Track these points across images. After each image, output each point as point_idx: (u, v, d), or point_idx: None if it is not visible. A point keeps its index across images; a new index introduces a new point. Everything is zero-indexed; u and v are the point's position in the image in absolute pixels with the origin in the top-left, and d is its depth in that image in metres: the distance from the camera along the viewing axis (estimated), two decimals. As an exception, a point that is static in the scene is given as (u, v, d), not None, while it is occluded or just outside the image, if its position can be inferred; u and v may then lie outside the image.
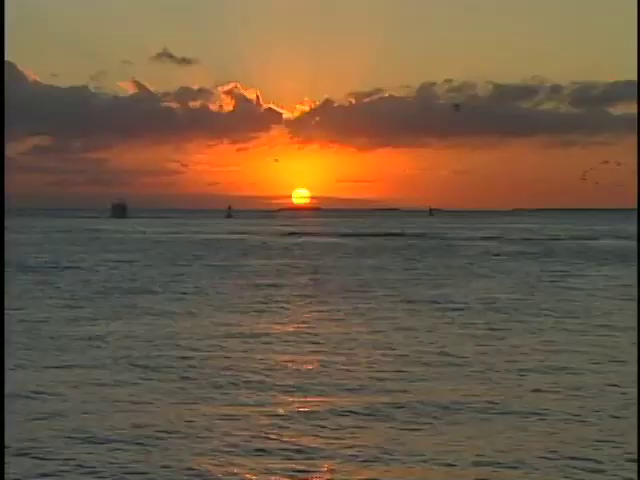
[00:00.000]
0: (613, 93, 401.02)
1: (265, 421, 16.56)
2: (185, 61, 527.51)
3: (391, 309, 34.35)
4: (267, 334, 27.64)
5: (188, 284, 45.04)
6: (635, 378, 19.25)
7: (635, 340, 23.78)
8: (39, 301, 36.76)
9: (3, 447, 11.56)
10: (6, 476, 12.45)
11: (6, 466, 12.41)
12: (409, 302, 36.72)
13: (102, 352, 24.23)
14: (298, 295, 40.13)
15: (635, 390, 17.64)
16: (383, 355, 23.68)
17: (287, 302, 37.23)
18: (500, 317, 31.86)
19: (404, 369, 21.69)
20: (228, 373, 21.17)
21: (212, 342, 25.89)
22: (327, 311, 34.06)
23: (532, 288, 43.79)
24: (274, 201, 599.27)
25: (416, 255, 73.98)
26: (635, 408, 16.98)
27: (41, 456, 14.36)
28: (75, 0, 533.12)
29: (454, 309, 34.26)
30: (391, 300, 37.52)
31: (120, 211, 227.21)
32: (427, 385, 19.85)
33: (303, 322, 30.88)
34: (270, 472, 13.67)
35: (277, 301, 37.56)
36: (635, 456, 13.82)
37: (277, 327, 29.45)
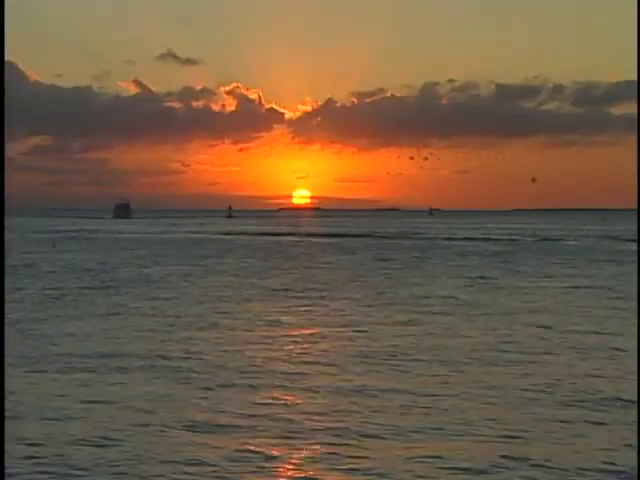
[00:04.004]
0: (615, 93, 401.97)
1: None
2: (188, 61, 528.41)
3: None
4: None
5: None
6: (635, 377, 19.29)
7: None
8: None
9: (3, 447, 11.54)
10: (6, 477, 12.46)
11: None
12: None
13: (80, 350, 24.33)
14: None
15: (635, 390, 17.65)
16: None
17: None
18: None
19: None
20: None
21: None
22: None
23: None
24: (274, 201, 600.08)
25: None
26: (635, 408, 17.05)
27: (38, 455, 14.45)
28: (76, 0, 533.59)
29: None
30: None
31: (123, 211, 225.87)
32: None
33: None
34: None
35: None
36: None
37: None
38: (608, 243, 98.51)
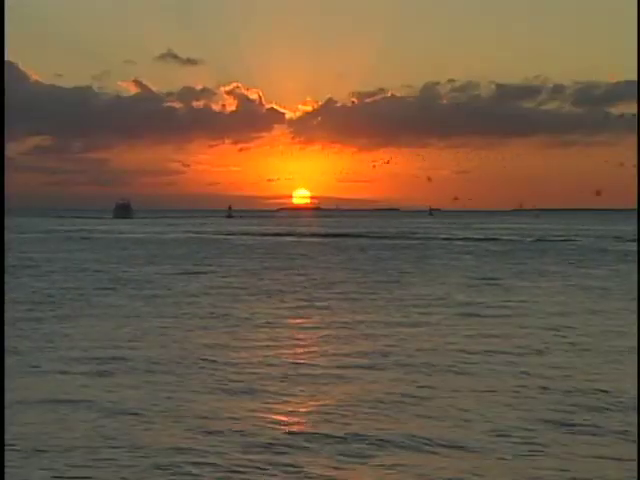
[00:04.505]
0: (615, 93, 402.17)
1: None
2: (188, 61, 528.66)
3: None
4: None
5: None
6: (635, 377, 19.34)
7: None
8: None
9: (3, 447, 11.56)
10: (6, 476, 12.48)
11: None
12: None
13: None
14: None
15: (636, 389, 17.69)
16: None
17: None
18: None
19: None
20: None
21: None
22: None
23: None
24: (274, 201, 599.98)
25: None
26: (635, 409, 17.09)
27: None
28: (76, 0, 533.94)
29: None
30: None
31: (124, 211, 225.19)
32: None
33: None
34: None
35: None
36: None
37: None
38: (608, 243, 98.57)
